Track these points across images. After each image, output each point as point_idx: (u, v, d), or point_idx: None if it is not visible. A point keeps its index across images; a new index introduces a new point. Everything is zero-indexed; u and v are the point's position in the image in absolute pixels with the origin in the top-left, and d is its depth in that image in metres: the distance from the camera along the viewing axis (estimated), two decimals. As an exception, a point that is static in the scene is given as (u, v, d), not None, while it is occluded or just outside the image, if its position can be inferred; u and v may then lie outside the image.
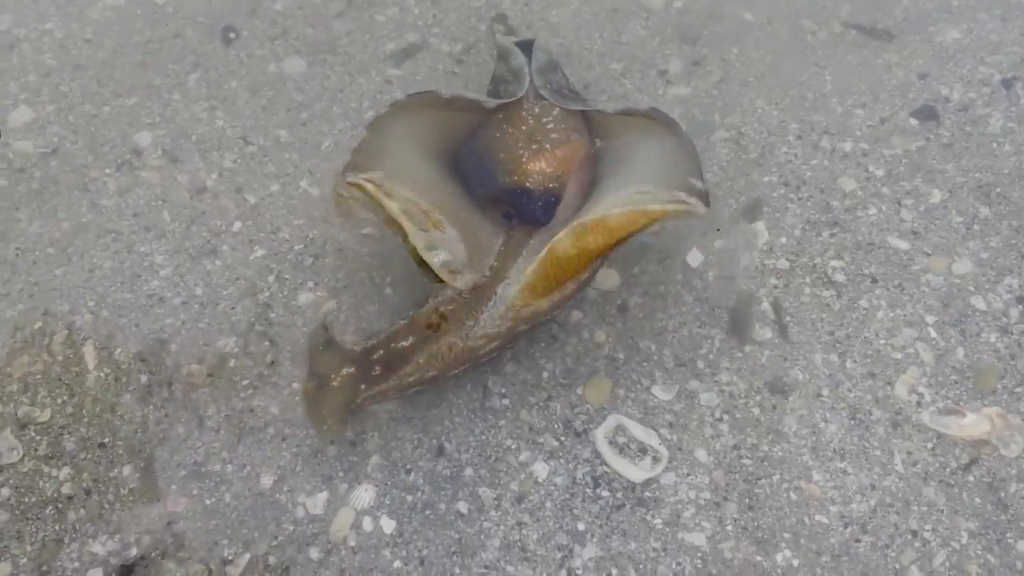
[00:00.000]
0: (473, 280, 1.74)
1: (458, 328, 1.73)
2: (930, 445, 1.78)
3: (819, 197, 2.10)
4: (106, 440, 1.85)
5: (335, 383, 1.75)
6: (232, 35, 2.50)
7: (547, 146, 1.90)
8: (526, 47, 2.06)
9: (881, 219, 2.06)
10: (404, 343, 1.75)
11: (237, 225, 2.14)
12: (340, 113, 2.33)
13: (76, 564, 1.72)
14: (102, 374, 1.93)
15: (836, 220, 2.07)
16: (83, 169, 2.25)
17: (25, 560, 1.72)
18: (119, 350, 1.96)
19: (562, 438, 1.82)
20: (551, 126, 1.92)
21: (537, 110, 1.94)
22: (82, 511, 1.77)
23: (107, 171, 2.24)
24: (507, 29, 2.37)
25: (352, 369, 1.75)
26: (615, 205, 1.66)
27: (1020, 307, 1.92)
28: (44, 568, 1.71)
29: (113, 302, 2.03)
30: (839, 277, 1.99)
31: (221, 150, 2.27)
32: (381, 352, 1.75)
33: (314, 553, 1.71)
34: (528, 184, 1.89)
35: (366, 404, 1.77)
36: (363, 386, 1.75)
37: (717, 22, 2.43)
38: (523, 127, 1.93)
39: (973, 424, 1.78)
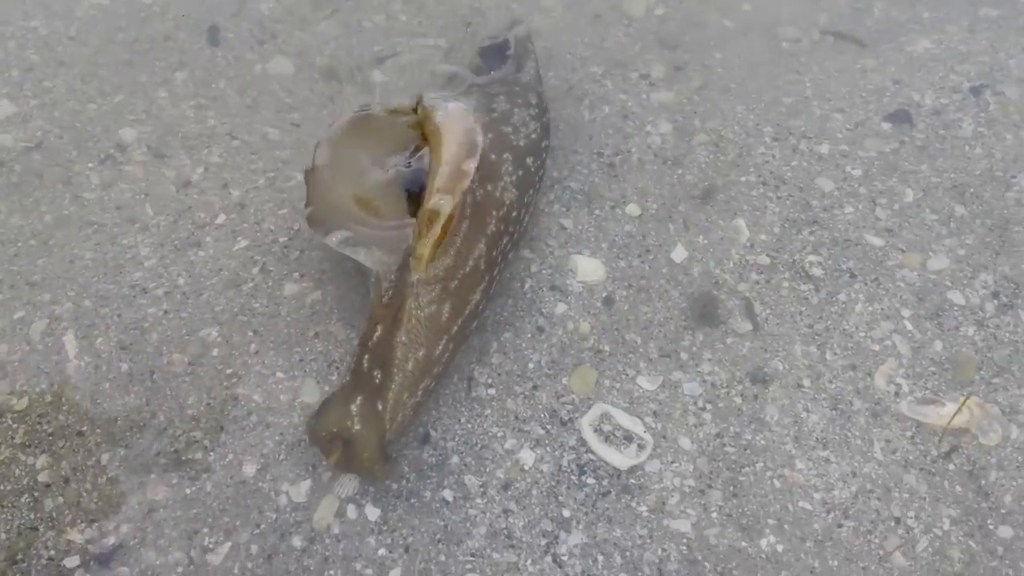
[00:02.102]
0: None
1: (401, 300, 1.75)
2: (909, 434, 1.80)
3: (798, 196, 2.14)
4: (85, 428, 1.83)
5: (356, 428, 1.69)
6: (219, 35, 2.51)
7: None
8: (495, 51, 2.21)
9: (858, 217, 2.11)
10: (378, 333, 1.74)
11: (221, 218, 2.14)
12: (328, 115, 2.35)
13: (52, 552, 1.68)
14: (82, 363, 1.91)
15: (815, 218, 2.11)
16: (66, 163, 2.24)
17: (-1, 549, 1.68)
18: (100, 339, 1.94)
19: (548, 426, 1.83)
20: None
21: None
22: (60, 499, 1.74)
23: (90, 165, 2.23)
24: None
25: (359, 398, 1.71)
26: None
27: (996, 302, 1.96)
28: (19, 556, 1.68)
29: (95, 292, 2.01)
30: (817, 272, 2.02)
31: (209, 147, 2.27)
32: (367, 357, 1.74)
33: (297, 541, 1.69)
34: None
35: (402, 428, 1.74)
36: (379, 405, 1.70)
37: (697, 29, 2.49)
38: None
39: (952, 413, 1.81)
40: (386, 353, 1.73)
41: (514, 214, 1.92)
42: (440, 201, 1.79)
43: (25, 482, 1.76)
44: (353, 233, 1.82)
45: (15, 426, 1.83)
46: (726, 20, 2.51)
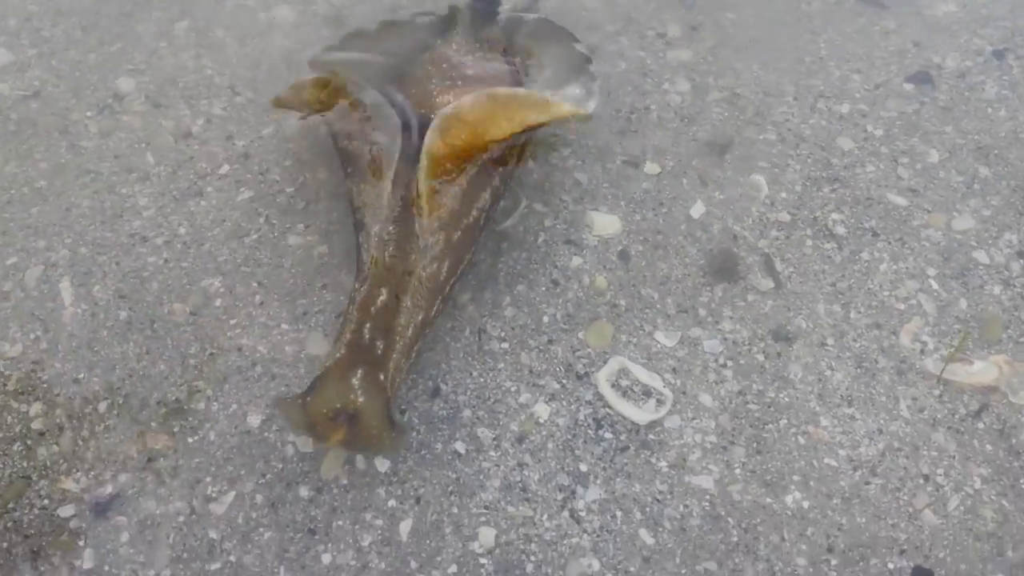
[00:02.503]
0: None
1: (404, 259, 1.65)
2: (937, 392, 1.75)
3: (819, 154, 2.09)
4: (81, 376, 1.75)
5: (361, 401, 1.54)
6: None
7: (459, 83, 1.96)
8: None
9: (879, 176, 2.06)
10: (383, 298, 1.62)
11: (225, 168, 2.07)
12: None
13: (46, 502, 1.60)
14: (79, 310, 1.83)
15: (836, 176, 2.06)
16: (64, 112, 2.16)
17: (-11, 497, 1.60)
18: (97, 287, 1.87)
19: (563, 380, 1.76)
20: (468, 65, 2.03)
21: (454, 46, 2.09)
22: (54, 447, 1.66)
23: (88, 114, 2.16)
24: None
25: (360, 371, 1.56)
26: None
27: (1022, 261, 1.91)
28: (10, 505, 1.60)
29: (92, 240, 1.94)
30: (840, 230, 1.97)
31: (210, 98, 2.20)
32: (368, 326, 1.60)
33: (304, 491, 1.62)
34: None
35: (395, 394, 1.63)
36: (381, 376, 1.56)
37: (712, -13, 2.44)
38: (443, 65, 2.02)
39: (980, 371, 1.76)
40: (389, 320, 1.61)
41: (512, 174, 1.87)
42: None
43: (18, 430, 1.68)
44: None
45: (7, 373, 1.75)
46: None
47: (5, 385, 1.73)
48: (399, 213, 1.70)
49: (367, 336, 1.59)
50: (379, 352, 1.58)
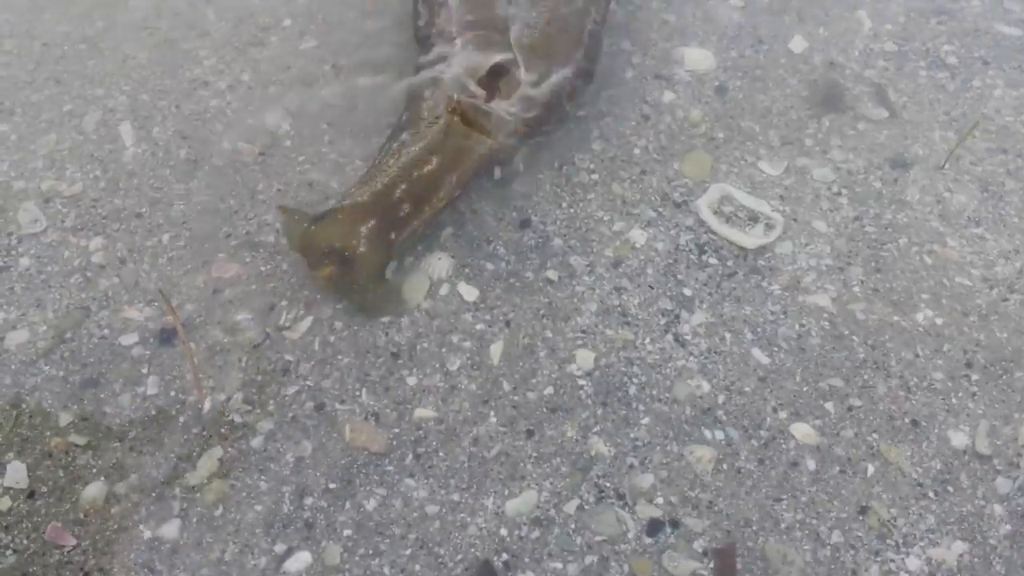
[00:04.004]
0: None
1: (470, 134, 1.53)
2: (1074, 213, 1.59)
3: (923, -12, 1.95)
4: (143, 211, 1.64)
5: (361, 250, 1.44)
6: None
7: None
8: None
9: (985, 9, 1.92)
10: (430, 167, 1.50)
11: (287, 21, 1.96)
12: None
13: (106, 331, 1.48)
14: (140, 150, 1.73)
15: (942, 9, 1.91)
16: (118, -25, 2.07)
17: (45, 327, 1.48)
18: (157, 129, 1.76)
19: (660, 209, 1.62)
20: None
21: None
22: (115, 279, 1.55)
23: (143, -23, 2.06)
24: None
25: (372, 221, 1.46)
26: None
27: None
28: (67, 335, 1.48)
29: (152, 87, 1.83)
30: (951, 60, 1.82)
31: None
32: (403, 187, 1.48)
33: (385, 317, 1.49)
34: None
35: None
36: (393, 235, 1.47)
37: None
38: None
39: (1121, 188, 1.60)
40: (429, 192, 1.50)
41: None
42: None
43: (76, 263, 1.57)
44: None
45: (65, 210, 1.64)
46: None
47: (63, 222, 1.62)
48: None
49: (397, 195, 1.48)
50: (401, 215, 1.48)
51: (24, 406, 1.39)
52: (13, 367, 1.44)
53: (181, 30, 1.95)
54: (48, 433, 1.36)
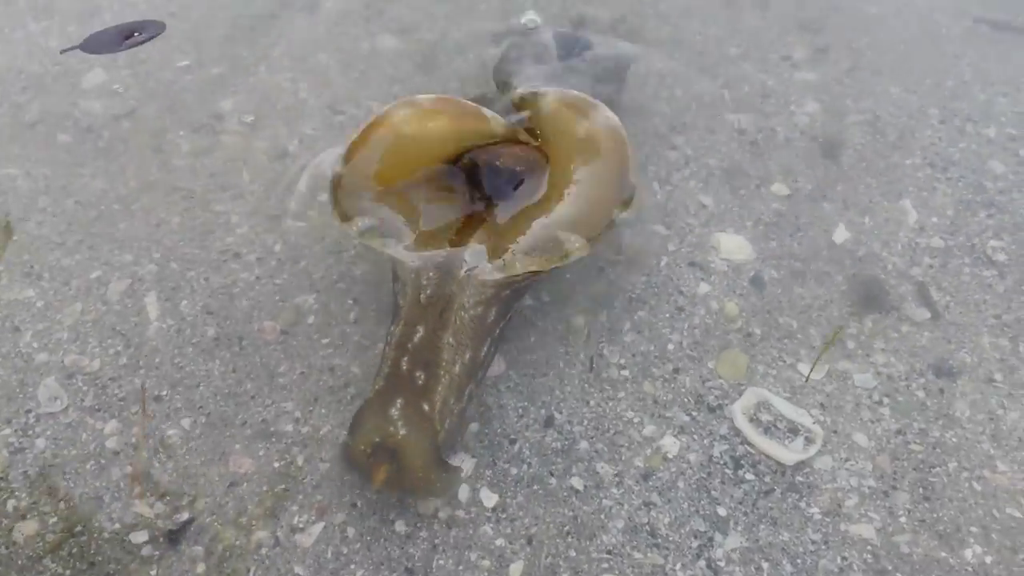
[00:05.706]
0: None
1: (454, 299, 1.49)
2: None
3: (971, 178, 1.89)
4: (164, 393, 1.60)
5: (402, 433, 1.39)
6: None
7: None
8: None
9: (1040, 202, 1.86)
10: (420, 334, 1.46)
11: (323, 195, 1.95)
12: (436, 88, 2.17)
13: (117, 526, 1.43)
14: (164, 325, 1.70)
15: (991, 201, 1.85)
16: (158, 132, 2.09)
17: (55, 519, 1.44)
18: (185, 302, 1.74)
19: (693, 412, 1.56)
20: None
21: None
22: (128, 468, 1.51)
23: (181, 133, 2.08)
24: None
25: (399, 400, 1.42)
26: (529, 251, 1.52)
27: None
28: (77, 528, 1.43)
29: (181, 256, 1.82)
30: (1000, 257, 1.76)
31: (304, 118, 2.11)
32: (406, 359, 1.45)
33: (400, 526, 1.43)
34: (498, 163, 1.70)
35: (451, 438, 1.49)
36: (425, 407, 1.42)
37: (838, 14, 2.29)
38: None
39: None
40: (431, 355, 1.45)
41: None
42: (576, 244, 1.54)
43: (92, 448, 1.53)
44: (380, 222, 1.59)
45: (84, 388, 1.61)
46: (869, 6, 2.32)
47: (82, 401, 1.59)
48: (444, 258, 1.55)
49: (404, 367, 1.44)
50: (419, 383, 1.43)
51: (23, 615, 1.34)
52: (20, 562, 1.39)
53: (215, 192, 1.95)
54: (44, 649, 1.31)
